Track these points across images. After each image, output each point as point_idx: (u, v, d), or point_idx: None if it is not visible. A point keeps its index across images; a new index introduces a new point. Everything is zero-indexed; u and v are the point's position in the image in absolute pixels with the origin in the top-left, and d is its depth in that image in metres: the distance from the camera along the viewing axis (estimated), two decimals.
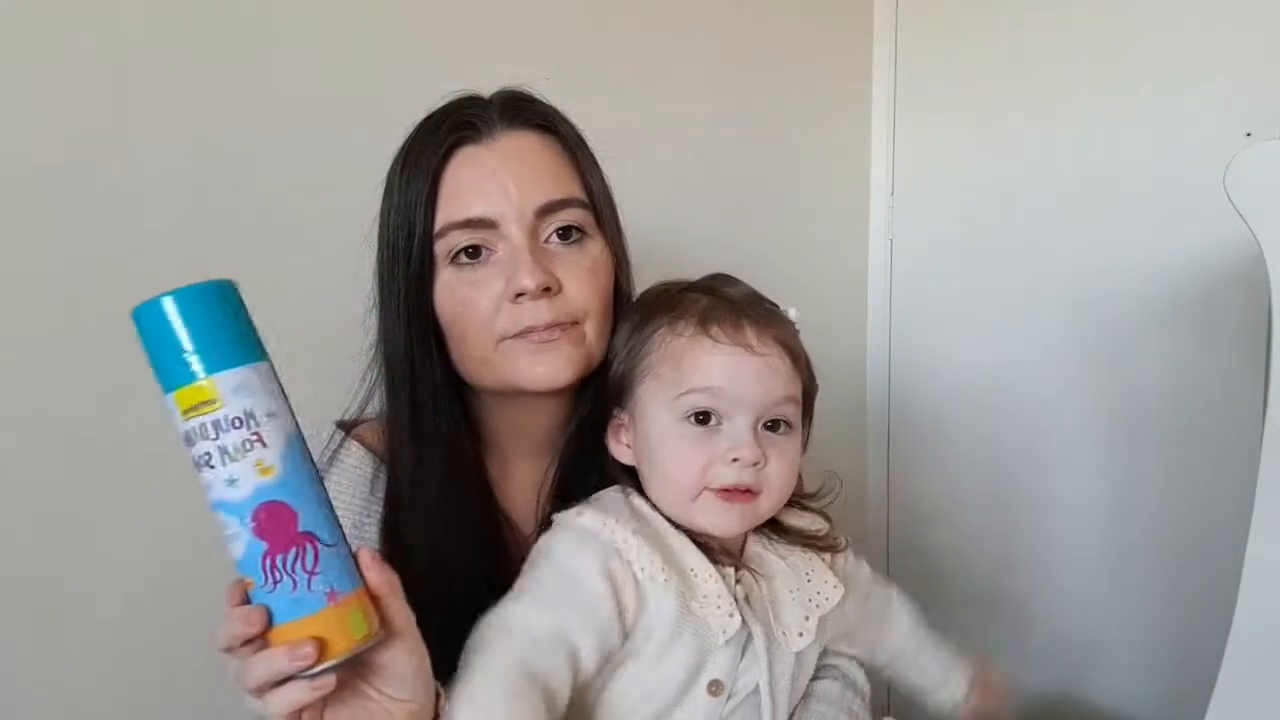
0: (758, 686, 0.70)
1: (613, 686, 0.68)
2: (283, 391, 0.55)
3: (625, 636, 0.67)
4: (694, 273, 0.78)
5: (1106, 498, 1.50)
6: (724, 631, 0.68)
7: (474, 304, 0.74)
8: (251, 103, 1.01)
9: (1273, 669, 0.87)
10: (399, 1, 1.13)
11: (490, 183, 0.73)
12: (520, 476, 0.83)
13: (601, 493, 0.75)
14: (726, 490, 0.69)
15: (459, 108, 0.77)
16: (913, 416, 1.76)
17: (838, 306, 1.75)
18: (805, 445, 0.76)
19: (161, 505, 0.97)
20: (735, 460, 0.68)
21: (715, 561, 0.71)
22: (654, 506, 0.72)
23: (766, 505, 0.71)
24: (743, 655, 0.70)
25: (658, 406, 0.70)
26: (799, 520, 0.78)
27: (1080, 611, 1.55)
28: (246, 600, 0.54)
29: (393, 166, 0.77)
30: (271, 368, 0.55)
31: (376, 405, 0.80)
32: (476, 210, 0.73)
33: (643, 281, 0.81)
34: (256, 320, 0.55)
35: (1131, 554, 1.48)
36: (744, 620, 0.69)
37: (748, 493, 0.69)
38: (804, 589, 0.74)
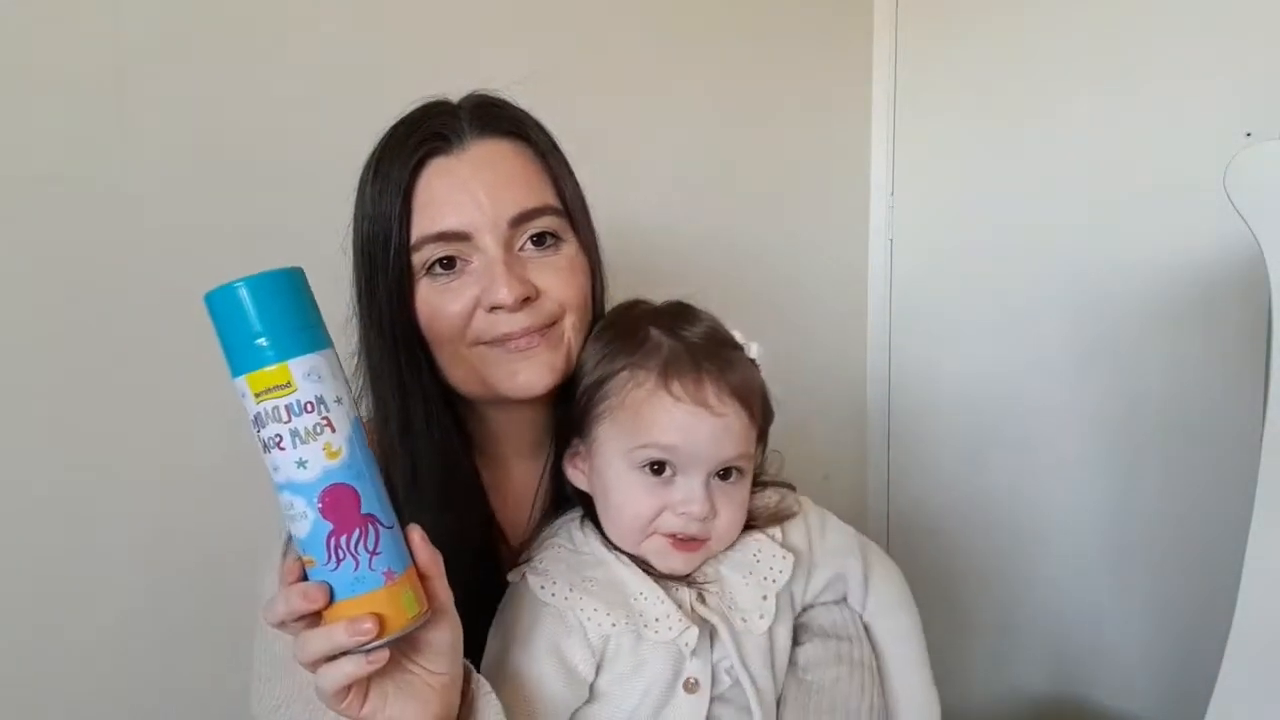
0: (733, 668, 0.71)
1: (594, 712, 0.71)
2: (346, 379, 0.57)
3: (591, 686, 0.70)
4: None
5: (1106, 496, 1.50)
6: (686, 645, 0.69)
7: (445, 310, 0.74)
8: (251, 103, 1.01)
9: (1273, 669, 0.87)
10: (400, 2, 1.13)
11: (462, 194, 0.73)
12: (516, 479, 0.84)
13: (550, 532, 0.77)
14: (675, 537, 0.71)
15: (428, 116, 0.76)
16: (913, 416, 1.75)
17: (838, 306, 1.75)
18: (761, 467, 0.79)
19: (161, 506, 0.98)
20: (684, 513, 0.70)
21: (665, 576, 0.72)
22: (603, 535, 0.74)
23: (715, 547, 0.74)
24: (712, 649, 0.72)
25: (614, 451, 0.71)
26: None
27: (1081, 611, 1.55)
28: (303, 577, 0.56)
29: (363, 176, 0.76)
30: (336, 355, 0.57)
31: (365, 410, 0.79)
32: (449, 223, 0.72)
33: (641, 283, 0.81)
34: None
35: (1131, 553, 1.48)
36: (703, 621, 0.71)
37: (695, 540, 0.71)
38: (755, 570, 0.74)
